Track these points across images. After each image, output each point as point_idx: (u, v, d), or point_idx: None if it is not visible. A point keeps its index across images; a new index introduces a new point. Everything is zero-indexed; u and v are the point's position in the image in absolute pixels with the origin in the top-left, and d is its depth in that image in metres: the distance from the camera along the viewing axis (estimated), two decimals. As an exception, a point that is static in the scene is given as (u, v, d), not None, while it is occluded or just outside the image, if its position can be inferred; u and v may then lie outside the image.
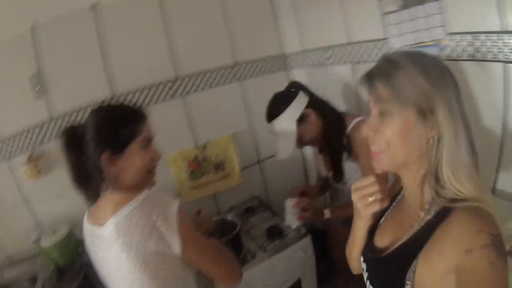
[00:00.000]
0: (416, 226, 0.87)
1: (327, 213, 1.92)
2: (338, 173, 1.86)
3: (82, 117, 2.16)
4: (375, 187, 0.90)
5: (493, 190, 1.61)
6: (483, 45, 1.44)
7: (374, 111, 0.89)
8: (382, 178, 0.92)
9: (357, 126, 1.73)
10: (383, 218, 1.07)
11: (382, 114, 0.86)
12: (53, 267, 1.97)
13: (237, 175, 2.66)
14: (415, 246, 0.83)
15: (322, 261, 2.42)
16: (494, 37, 1.39)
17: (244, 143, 2.70)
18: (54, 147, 1.97)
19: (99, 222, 1.25)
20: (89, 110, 1.94)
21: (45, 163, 2.13)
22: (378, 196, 0.90)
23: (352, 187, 0.94)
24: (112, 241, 1.18)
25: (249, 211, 2.60)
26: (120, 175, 1.27)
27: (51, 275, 1.92)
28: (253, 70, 2.62)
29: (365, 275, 1.03)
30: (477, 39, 1.45)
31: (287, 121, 1.78)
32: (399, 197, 1.07)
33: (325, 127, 1.81)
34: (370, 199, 0.91)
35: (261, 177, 2.86)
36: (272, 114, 1.85)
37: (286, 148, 1.85)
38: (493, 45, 1.40)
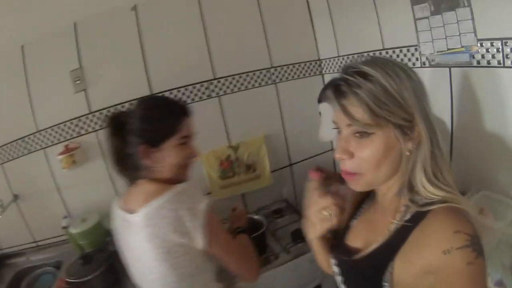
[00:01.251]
0: (392, 229, 0.85)
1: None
2: None
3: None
4: (331, 203, 0.90)
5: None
6: (512, 51, 1.38)
7: (347, 131, 0.84)
8: (342, 196, 0.92)
9: None
10: (354, 220, 1.06)
11: (360, 135, 0.81)
12: (80, 253, 2.04)
13: (267, 176, 2.64)
14: (391, 248, 0.82)
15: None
16: (525, 43, 1.33)
17: (276, 145, 2.68)
18: (91, 140, 2.08)
19: (130, 208, 1.31)
20: (126, 106, 2.05)
21: (81, 154, 2.20)
22: (333, 212, 0.90)
23: (312, 201, 0.94)
24: (140, 229, 1.23)
25: (276, 212, 2.58)
26: (154, 168, 1.33)
27: (77, 260, 1.97)
28: (288, 73, 2.61)
29: (339, 278, 1.01)
30: (506, 45, 1.39)
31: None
32: (367, 203, 1.06)
33: None
34: (325, 213, 0.91)
35: (291, 180, 2.83)
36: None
37: (329, 132, 1.86)
38: (524, 52, 1.34)
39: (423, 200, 0.81)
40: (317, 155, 2.77)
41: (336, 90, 0.82)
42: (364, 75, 0.78)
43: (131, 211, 1.30)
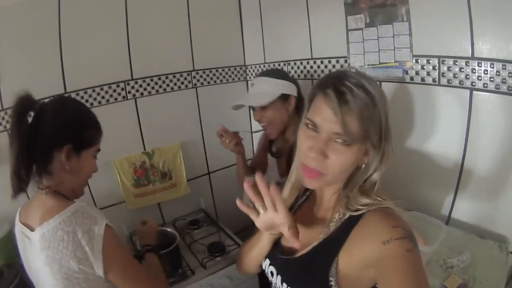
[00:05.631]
0: (332, 227, 0.88)
1: None
2: None
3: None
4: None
5: (448, 219, 1.52)
6: (450, 70, 1.34)
7: (329, 135, 0.81)
8: None
9: None
10: None
11: (342, 143, 0.80)
12: (-10, 268, 1.75)
13: (184, 185, 2.45)
14: (334, 244, 0.84)
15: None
16: (462, 62, 1.29)
17: (194, 153, 2.50)
18: (3, 140, 1.71)
19: (29, 224, 1.17)
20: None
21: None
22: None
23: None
24: (39, 251, 1.10)
25: (193, 223, 2.38)
26: (66, 175, 1.19)
27: (-14, 276, 1.69)
28: (210, 77, 2.45)
29: (276, 278, 0.98)
30: (444, 63, 1.35)
31: (276, 86, 1.68)
32: (302, 199, 1.07)
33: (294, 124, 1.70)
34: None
35: (209, 190, 2.66)
36: (271, 73, 1.75)
37: (254, 101, 1.71)
38: (461, 71, 1.30)
39: (355, 206, 0.85)
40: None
41: (339, 95, 0.78)
42: (367, 92, 0.78)
43: (30, 227, 1.15)
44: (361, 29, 1.63)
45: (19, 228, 1.22)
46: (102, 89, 2.06)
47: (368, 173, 0.85)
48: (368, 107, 0.77)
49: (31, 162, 1.13)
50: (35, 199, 1.19)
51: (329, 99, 0.78)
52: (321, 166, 0.82)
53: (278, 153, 1.88)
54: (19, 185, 1.13)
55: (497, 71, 1.20)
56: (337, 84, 0.79)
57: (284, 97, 1.65)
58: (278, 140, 1.84)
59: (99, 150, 1.28)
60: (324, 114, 0.80)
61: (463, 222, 1.46)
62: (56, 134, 1.14)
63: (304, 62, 2.03)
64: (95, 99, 2.03)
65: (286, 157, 1.77)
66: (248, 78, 2.60)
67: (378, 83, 1.62)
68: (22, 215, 1.22)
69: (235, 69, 2.54)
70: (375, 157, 0.82)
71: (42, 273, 1.13)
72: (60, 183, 1.18)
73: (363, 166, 0.85)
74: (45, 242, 1.08)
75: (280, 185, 1.75)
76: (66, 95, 1.94)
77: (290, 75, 2.11)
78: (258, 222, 0.86)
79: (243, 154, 1.94)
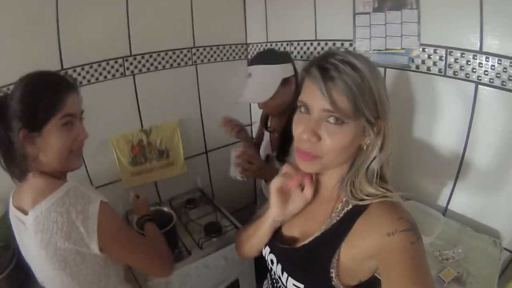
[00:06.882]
0: (335, 218, 0.88)
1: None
2: (283, 153, 1.76)
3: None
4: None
5: (445, 211, 1.55)
6: (456, 62, 1.34)
7: (320, 115, 0.80)
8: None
9: None
10: None
11: (335, 122, 0.79)
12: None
13: (181, 164, 2.46)
14: (336, 236, 0.85)
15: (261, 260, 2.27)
16: (470, 56, 1.30)
17: (192, 131, 2.50)
18: None
19: (22, 208, 1.14)
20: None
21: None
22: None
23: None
24: (33, 234, 1.07)
25: (190, 203, 2.41)
26: (40, 156, 1.13)
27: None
28: (210, 55, 2.42)
29: (277, 266, 0.99)
30: (451, 54, 1.35)
31: (275, 74, 1.65)
32: None
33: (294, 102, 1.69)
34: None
35: (206, 169, 2.68)
36: (265, 59, 1.71)
37: (258, 96, 1.69)
38: (468, 64, 1.31)
39: (361, 195, 0.84)
40: (235, 142, 2.56)
41: (323, 72, 0.77)
42: (353, 67, 0.76)
43: (23, 211, 1.12)
44: (369, 13, 1.61)
45: (12, 212, 1.20)
46: (99, 65, 2.01)
47: (372, 155, 0.83)
48: (356, 82, 0.76)
49: (12, 156, 1.12)
50: (26, 183, 1.17)
51: (314, 77, 0.78)
52: (315, 150, 0.81)
53: (272, 127, 1.91)
54: (15, 173, 1.15)
55: (504, 68, 1.21)
56: (321, 62, 0.79)
57: (284, 81, 1.64)
58: (274, 116, 1.85)
59: (72, 115, 1.15)
60: (312, 93, 0.80)
61: (459, 215, 1.50)
62: (13, 123, 1.09)
63: (308, 43, 2.02)
64: (92, 75, 1.99)
65: (279, 133, 1.79)
66: (249, 56, 2.57)
67: (382, 68, 1.63)
68: (15, 198, 1.20)
69: (236, 47, 2.51)
70: (376, 137, 0.81)
71: (38, 257, 1.12)
72: (41, 165, 1.15)
73: (365, 147, 0.84)
74: (39, 225, 1.06)
75: (270, 157, 1.79)
76: (63, 71, 1.90)
77: (293, 55, 2.11)
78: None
79: (246, 139, 1.95)
